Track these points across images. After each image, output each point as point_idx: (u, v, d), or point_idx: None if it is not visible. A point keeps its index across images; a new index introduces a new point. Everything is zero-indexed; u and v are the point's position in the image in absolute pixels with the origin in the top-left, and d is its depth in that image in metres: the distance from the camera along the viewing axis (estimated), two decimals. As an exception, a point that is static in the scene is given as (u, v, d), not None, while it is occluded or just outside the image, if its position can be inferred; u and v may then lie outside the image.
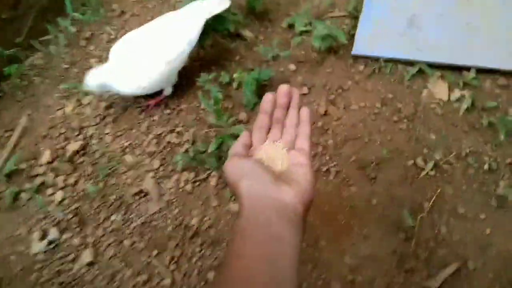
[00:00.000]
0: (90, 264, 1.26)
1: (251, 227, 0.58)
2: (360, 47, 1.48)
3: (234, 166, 0.64)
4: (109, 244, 1.28)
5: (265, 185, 0.61)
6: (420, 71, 1.41)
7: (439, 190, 1.21)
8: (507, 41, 1.40)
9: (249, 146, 0.69)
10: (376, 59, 1.47)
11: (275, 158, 0.67)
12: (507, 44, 1.39)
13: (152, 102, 1.50)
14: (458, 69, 1.40)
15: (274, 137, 0.69)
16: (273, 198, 0.60)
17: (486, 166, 1.22)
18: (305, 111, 0.71)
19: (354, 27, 1.53)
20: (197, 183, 1.34)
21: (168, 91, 1.48)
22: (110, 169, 1.40)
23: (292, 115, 0.71)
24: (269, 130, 0.70)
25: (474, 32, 1.44)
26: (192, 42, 1.40)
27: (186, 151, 1.37)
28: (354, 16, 1.57)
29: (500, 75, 1.37)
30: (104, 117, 1.51)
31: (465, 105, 1.32)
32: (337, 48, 1.52)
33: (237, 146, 0.68)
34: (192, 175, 1.34)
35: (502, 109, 1.31)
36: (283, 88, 0.71)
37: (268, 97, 0.71)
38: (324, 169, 1.29)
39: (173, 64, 1.39)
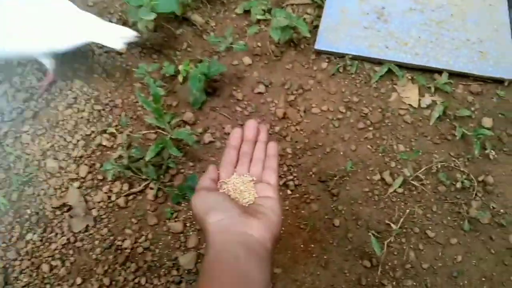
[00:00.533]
0: (-2, 294, 1.04)
1: (218, 266, 0.57)
2: (323, 42, 1.31)
3: (201, 200, 0.65)
4: (23, 270, 1.07)
5: (233, 219, 0.61)
6: (389, 72, 1.27)
7: (407, 211, 1.08)
8: (480, 43, 1.29)
9: (216, 180, 0.70)
10: (341, 56, 1.31)
11: (242, 191, 0.68)
12: (480, 47, 1.28)
13: (42, 84, 1.28)
14: (429, 71, 1.27)
15: (241, 171, 0.70)
16: (241, 232, 0.59)
17: (458, 184, 1.10)
18: (272, 146, 0.72)
19: (318, 17, 1.37)
20: (132, 196, 1.13)
21: (48, 64, 1.23)
22: (27, 176, 1.17)
23: (260, 149, 0.73)
24: (236, 164, 0.71)
25: (445, 32, 1.31)
26: (54, 54, 1.16)
27: (120, 157, 1.16)
28: (318, 5, 1.40)
29: (472, 81, 1.25)
30: (22, 111, 1.26)
31: (436, 113, 1.19)
32: (298, 41, 1.34)
33: (204, 180, 0.69)
34: (125, 186, 1.14)
35: (476, 119, 1.20)
36: (251, 123, 0.73)
37: (236, 132, 0.73)
38: (281, 182, 1.13)
39: (21, 56, 1.18)
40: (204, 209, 0.64)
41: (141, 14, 1.19)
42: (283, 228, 1.07)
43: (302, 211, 1.10)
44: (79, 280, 1.05)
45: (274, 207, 0.66)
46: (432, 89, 1.24)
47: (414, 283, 1.01)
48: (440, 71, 1.26)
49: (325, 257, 1.04)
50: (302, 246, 1.05)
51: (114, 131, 1.21)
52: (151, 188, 1.13)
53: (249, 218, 0.61)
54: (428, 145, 1.17)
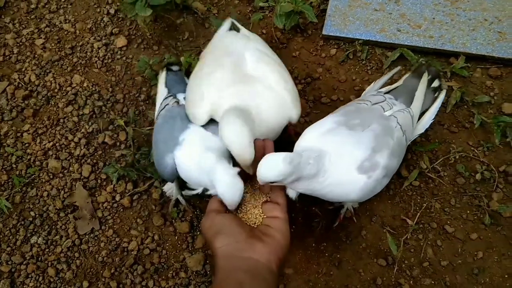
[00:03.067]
0: (5, 299, 1.02)
1: None
2: (331, 27, 1.24)
3: (210, 222, 0.67)
4: (29, 274, 1.05)
5: (238, 244, 0.63)
6: (402, 57, 1.20)
7: (424, 205, 1.03)
8: (498, 23, 1.21)
9: None
10: (351, 41, 1.24)
11: (250, 212, 0.72)
12: (499, 27, 1.20)
13: None
14: (445, 55, 1.20)
15: (251, 191, 0.75)
16: (247, 257, 0.61)
17: (478, 176, 1.04)
18: None
19: (325, 1, 1.29)
20: (136, 195, 1.10)
21: None
22: (29, 177, 1.14)
23: None
24: (246, 182, 0.74)
25: (461, 12, 1.23)
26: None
27: (122, 156, 1.12)
28: (325, -12, 1.32)
29: (491, 64, 1.18)
30: (23, 110, 1.23)
31: (453, 100, 1.12)
32: (304, 27, 1.28)
33: (214, 202, 0.72)
34: (130, 185, 1.10)
35: (495, 104, 1.13)
36: (256, 142, 0.75)
37: None
38: (290, 178, 1.08)
39: None
40: (212, 232, 0.65)
41: (138, 10, 1.13)
42: (293, 227, 1.03)
43: (313, 208, 1.05)
44: (85, 284, 1.02)
45: (282, 227, 0.67)
46: (448, 74, 1.17)
47: (433, 282, 0.96)
48: (456, 55, 1.19)
49: (338, 256, 1.00)
50: (314, 245, 1.01)
51: (117, 127, 1.17)
52: (156, 187, 1.09)
53: (254, 243, 0.63)
54: (445, 134, 1.11)
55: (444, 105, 1.14)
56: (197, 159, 0.81)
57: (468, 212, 1.02)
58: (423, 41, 1.20)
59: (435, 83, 1.00)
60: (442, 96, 1.00)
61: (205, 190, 0.83)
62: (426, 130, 0.98)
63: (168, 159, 0.86)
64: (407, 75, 1.01)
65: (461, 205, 1.03)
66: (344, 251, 1.00)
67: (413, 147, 1.09)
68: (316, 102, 1.17)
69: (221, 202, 0.71)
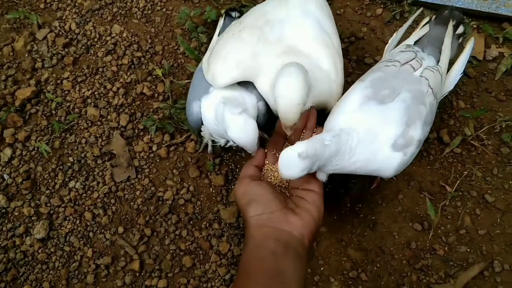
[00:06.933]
0: (44, 239, 1.05)
1: (255, 263, 0.58)
2: (379, -15, 1.19)
3: (244, 190, 0.66)
4: (67, 217, 1.07)
5: (272, 215, 0.62)
6: (451, 20, 1.14)
7: (465, 172, 1.01)
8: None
9: (261, 167, 0.72)
10: (398, 1, 1.19)
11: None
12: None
13: None
14: (498, 19, 1.14)
15: None
16: (280, 230, 0.60)
17: (524, 146, 1.01)
18: (319, 132, 0.73)
19: (373, -43, 1.24)
20: (173, 147, 1.10)
21: None
22: (68, 123, 1.15)
23: (307, 137, 0.73)
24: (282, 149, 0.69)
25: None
26: None
27: (160, 108, 1.12)
28: None
29: (547, 30, 1.12)
30: (63, 57, 1.24)
31: (503, 66, 1.08)
32: (350, -16, 1.23)
33: (248, 168, 0.70)
34: (167, 137, 1.11)
35: (548, 74, 1.08)
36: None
37: None
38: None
39: None
40: (245, 200, 0.64)
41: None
42: (329, 186, 1.02)
43: (350, 169, 1.04)
44: (121, 229, 1.05)
45: (317, 201, 0.66)
46: (500, 40, 1.11)
47: (468, 250, 0.95)
48: (510, 20, 1.13)
49: (373, 218, 0.99)
50: (349, 205, 1.00)
51: (155, 78, 1.17)
52: (191, 140, 1.10)
53: (288, 215, 0.62)
54: (492, 102, 1.07)
55: (493, 72, 1.10)
56: (214, 110, 0.80)
57: (511, 182, 0.99)
58: (476, 4, 1.14)
59: (460, 29, 0.93)
60: (469, 46, 0.93)
61: (227, 142, 0.85)
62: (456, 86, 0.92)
63: (195, 106, 0.85)
64: (429, 21, 0.94)
65: (503, 175, 1.00)
66: (379, 214, 0.99)
67: (457, 112, 1.06)
68: (359, 62, 1.14)
69: (257, 168, 0.70)
